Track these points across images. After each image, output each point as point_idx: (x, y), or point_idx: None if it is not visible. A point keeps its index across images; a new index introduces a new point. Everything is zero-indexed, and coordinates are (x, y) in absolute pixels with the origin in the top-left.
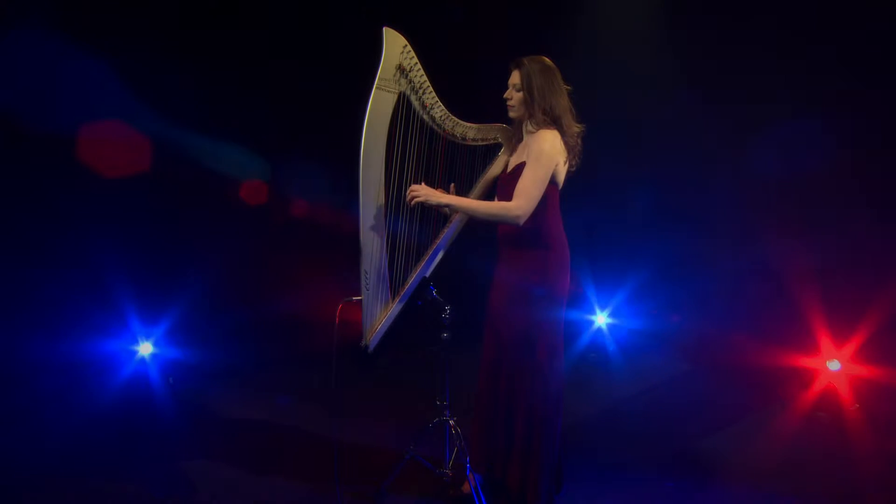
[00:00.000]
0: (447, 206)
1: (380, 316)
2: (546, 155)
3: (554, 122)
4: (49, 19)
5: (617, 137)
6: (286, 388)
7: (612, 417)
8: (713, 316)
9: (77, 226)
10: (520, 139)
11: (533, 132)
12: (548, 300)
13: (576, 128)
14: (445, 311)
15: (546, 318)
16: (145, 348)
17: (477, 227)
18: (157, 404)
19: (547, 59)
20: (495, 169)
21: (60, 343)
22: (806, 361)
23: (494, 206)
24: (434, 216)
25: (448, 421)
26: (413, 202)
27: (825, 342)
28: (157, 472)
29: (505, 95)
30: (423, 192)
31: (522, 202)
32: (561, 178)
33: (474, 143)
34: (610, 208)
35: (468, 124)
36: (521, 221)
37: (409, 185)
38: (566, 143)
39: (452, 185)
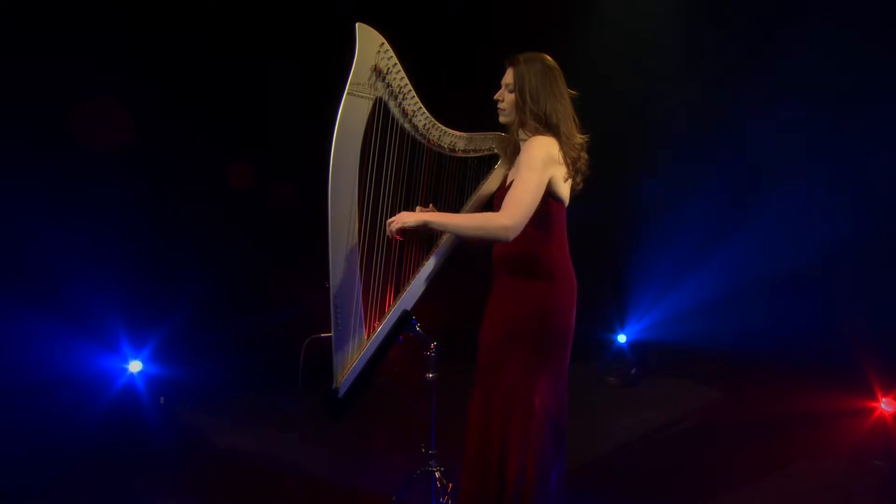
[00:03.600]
0: (425, 223)
1: (353, 355)
2: (539, 161)
3: (550, 130)
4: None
5: (639, 139)
6: (278, 410)
7: (632, 455)
8: (749, 337)
9: (66, 238)
10: (516, 150)
11: (526, 140)
12: (549, 340)
13: (578, 138)
14: (431, 348)
15: (546, 359)
16: (135, 365)
17: (475, 249)
18: (146, 425)
19: (548, 58)
20: (491, 184)
21: (47, 359)
22: (858, 400)
23: (477, 218)
24: (417, 240)
25: (434, 472)
26: (394, 228)
27: (879, 378)
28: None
29: (496, 97)
30: (397, 220)
31: (512, 211)
32: (564, 193)
33: (465, 155)
34: (632, 216)
35: (458, 133)
36: (510, 235)
37: (388, 204)
38: (566, 155)
39: (431, 205)
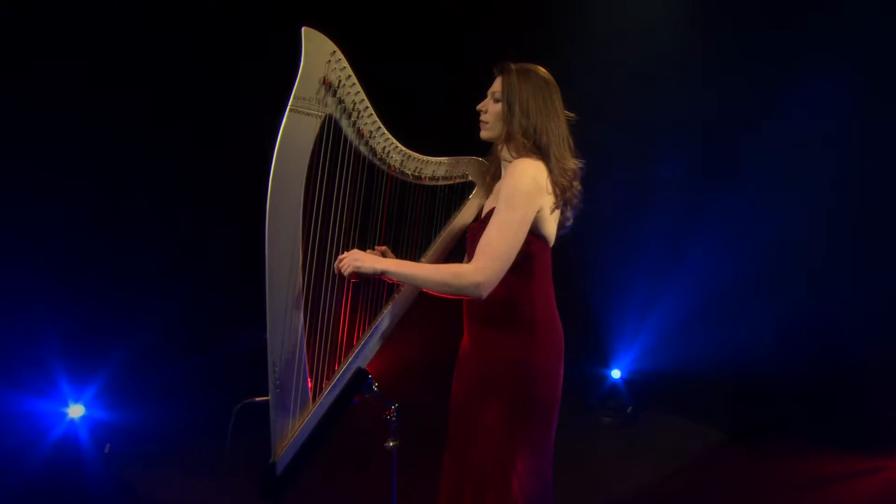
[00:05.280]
0: (383, 272)
1: (295, 423)
2: (522, 194)
3: (539, 152)
4: None
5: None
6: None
7: None
8: (759, 371)
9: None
10: (497, 176)
11: (509, 161)
12: (529, 408)
13: (571, 164)
14: (391, 411)
15: (526, 432)
16: (76, 410)
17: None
18: (88, 478)
19: (544, 71)
20: (464, 217)
21: None
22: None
23: (444, 272)
24: (375, 283)
25: None
26: (346, 272)
27: None
28: None
29: (479, 107)
30: (348, 259)
31: (485, 264)
32: (549, 229)
33: (433, 183)
34: (626, 231)
35: (425, 158)
36: (483, 293)
37: (339, 241)
38: (555, 182)
39: (385, 247)
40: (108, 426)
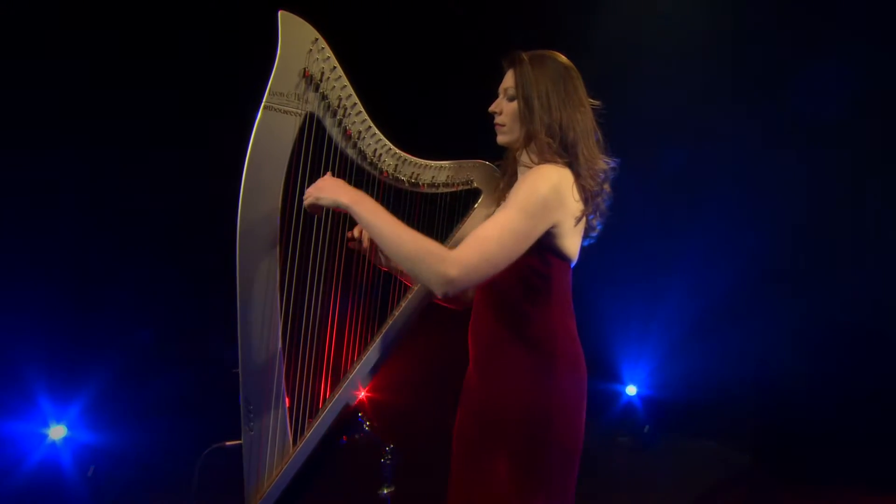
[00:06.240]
0: (346, 207)
1: (272, 471)
2: (539, 199)
3: (565, 152)
4: None
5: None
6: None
7: None
8: (782, 389)
9: None
10: (512, 183)
11: (529, 167)
12: (546, 455)
13: (601, 163)
14: (385, 453)
15: (543, 484)
16: (57, 431)
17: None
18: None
19: (562, 57)
20: (468, 229)
21: None
22: None
23: (418, 243)
24: (365, 302)
25: None
26: (307, 203)
27: None
28: None
29: (491, 108)
30: (312, 189)
31: (469, 257)
32: (571, 247)
33: (433, 191)
34: (641, 241)
35: (424, 162)
36: (448, 291)
37: (322, 257)
38: (582, 188)
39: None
40: (92, 448)
